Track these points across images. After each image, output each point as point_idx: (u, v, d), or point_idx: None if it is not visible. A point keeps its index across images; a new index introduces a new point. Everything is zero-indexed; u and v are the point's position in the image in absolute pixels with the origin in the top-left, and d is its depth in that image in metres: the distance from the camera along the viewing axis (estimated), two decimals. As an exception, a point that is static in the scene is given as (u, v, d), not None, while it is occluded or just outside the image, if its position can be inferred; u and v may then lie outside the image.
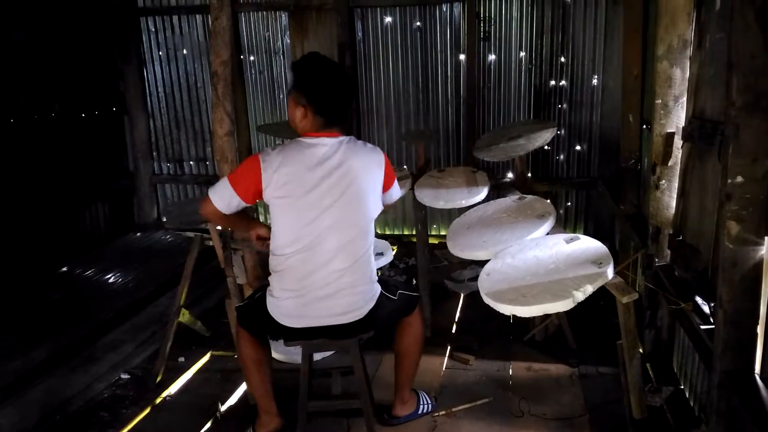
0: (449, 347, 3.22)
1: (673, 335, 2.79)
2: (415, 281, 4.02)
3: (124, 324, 3.61)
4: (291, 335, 2.28)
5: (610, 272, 2.00)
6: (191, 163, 5.49)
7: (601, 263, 2.04)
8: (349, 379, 2.59)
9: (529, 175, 3.88)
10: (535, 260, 2.19)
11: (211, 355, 3.31)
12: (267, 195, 2.15)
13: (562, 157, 4.70)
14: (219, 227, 2.72)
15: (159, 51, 5.31)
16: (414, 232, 4.88)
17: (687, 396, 2.60)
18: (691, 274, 2.54)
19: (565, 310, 1.95)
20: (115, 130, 5.36)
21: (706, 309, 2.33)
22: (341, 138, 2.20)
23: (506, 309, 2.00)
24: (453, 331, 3.44)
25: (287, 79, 5.09)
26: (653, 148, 2.75)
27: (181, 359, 3.24)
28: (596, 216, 4.72)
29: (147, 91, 5.41)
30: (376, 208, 2.27)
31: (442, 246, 4.64)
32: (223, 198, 2.18)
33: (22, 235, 4.31)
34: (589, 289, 1.95)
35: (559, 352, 3.12)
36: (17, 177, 4.30)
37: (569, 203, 4.80)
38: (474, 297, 3.84)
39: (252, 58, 5.12)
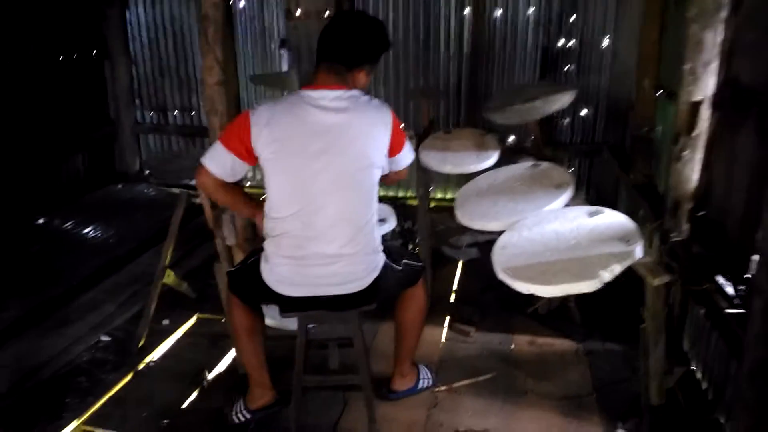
0: (448, 318, 3.08)
1: (685, 313, 2.66)
2: (412, 247, 3.86)
3: (104, 282, 3.42)
4: (287, 304, 2.12)
5: (639, 251, 1.85)
6: (176, 112, 5.21)
7: (629, 240, 1.88)
8: (347, 350, 2.43)
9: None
10: (555, 234, 2.02)
11: (198, 318, 3.14)
12: (257, 152, 1.97)
13: (566, 121, 4.50)
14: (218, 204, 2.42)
15: (143, -8, 4.96)
16: (410, 194, 4.72)
17: (700, 378, 2.49)
18: (713, 252, 2.41)
19: (590, 291, 1.80)
20: (95, 75, 5.03)
21: (729, 290, 2.20)
22: (344, 91, 1.99)
23: (524, 287, 1.84)
24: (452, 301, 3.29)
25: (280, 27, 4.80)
26: (678, 117, 2.56)
27: (166, 322, 3.07)
28: (599, 183, 4.56)
29: (130, 35, 5.07)
30: (380, 173, 2.07)
31: (439, 209, 4.49)
32: (219, 162, 2.00)
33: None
34: (617, 268, 1.79)
35: (563, 325, 2.99)
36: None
37: (572, 169, 4.62)
38: (473, 264, 3.70)
39: (242, 3, 4.80)
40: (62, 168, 4.70)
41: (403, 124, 2.18)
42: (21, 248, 3.77)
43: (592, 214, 2.08)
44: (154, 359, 2.79)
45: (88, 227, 4.17)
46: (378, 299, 2.14)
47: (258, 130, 1.95)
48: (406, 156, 2.19)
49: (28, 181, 4.33)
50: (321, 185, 1.96)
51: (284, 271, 2.05)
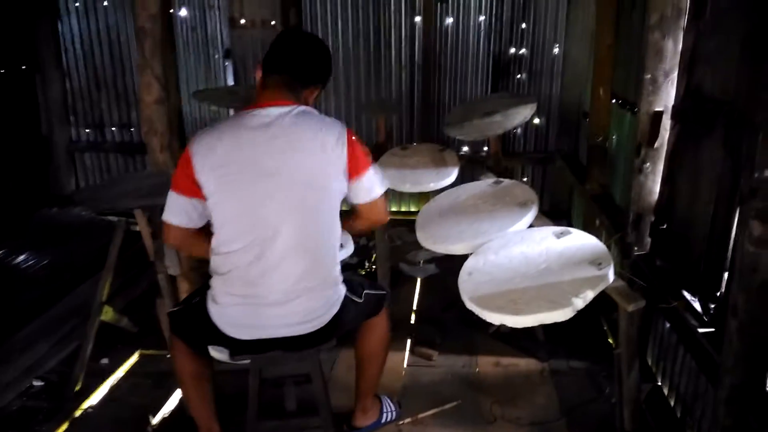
0: (410, 341, 2.95)
1: (648, 328, 2.61)
2: (369, 265, 3.72)
3: (37, 318, 3.13)
4: (238, 347, 1.91)
5: (611, 275, 1.75)
6: (113, 129, 4.93)
7: (600, 264, 1.78)
8: (305, 386, 2.27)
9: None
10: (523, 258, 1.92)
11: (140, 355, 2.91)
12: (201, 184, 1.76)
13: (519, 130, 4.46)
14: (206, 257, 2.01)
15: (75, 2, 4.67)
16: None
17: (666, 393, 2.43)
18: (677, 266, 2.35)
19: (563, 320, 1.69)
20: (25, 90, 4.70)
21: (696, 306, 2.14)
22: (290, 108, 1.80)
23: (495, 318, 1.72)
24: (412, 322, 3.16)
25: (223, 37, 4.60)
26: (639, 128, 2.51)
27: (105, 361, 2.83)
28: (553, 192, 4.53)
29: (62, 46, 4.77)
30: (340, 197, 1.86)
31: (395, 223, 4.37)
32: (176, 211, 1.81)
33: None
34: (590, 295, 1.69)
35: (527, 343, 2.90)
36: None
37: (525, 179, 4.58)
38: (432, 281, 3.59)
39: (183, 12, 4.57)
40: (-10, 191, 4.37)
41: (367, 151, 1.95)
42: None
43: (559, 236, 1.98)
44: (93, 405, 2.55)
45: (19, 256, 3.86)
46: (338, 334, 1.98)
47: (200, 160, 1.76)
48: (372, 184, 1.88)
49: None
50: (271, 213, 1.77)
51: (235, 312, 1.85)
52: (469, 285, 1.86)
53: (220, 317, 1.86)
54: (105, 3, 4.62)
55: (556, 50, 4.30)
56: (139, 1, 2.45)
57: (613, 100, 3.33)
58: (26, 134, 4.75)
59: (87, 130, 4.97)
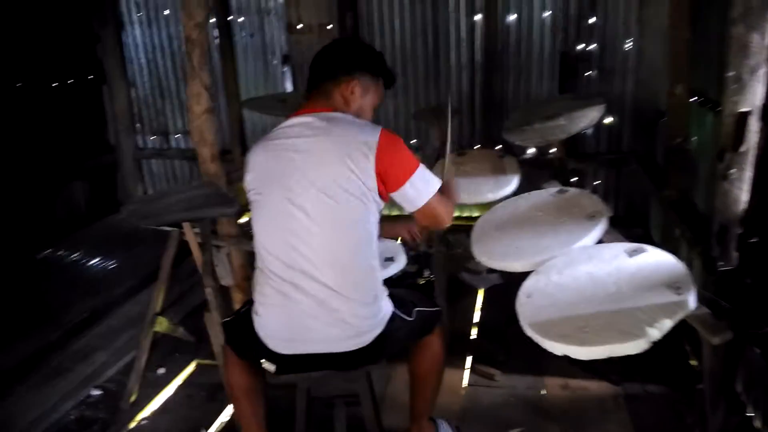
0: (470, 358, 2.79)
1: (737, 354, 2.35)
2: (429, 274, 3.58)
3: (99, 325, 3.19)
4: (283, 363, 1.85)
5: (692, 301, 1.55)
6: (177, 136, 5.00)
7: (679, 288, 1.58)
8: (357, 407, 2.16)
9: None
10: (590, 279, 1.73)
11: (197, 365, 2.89)
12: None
13: (590, 130, 4.19)
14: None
15: (138, 12, 4.76)
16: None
17: (758, 427, 2.18)
18: (770, 286, 2.10)
19: (636, 352, 1.51)
20: (92, 101, 4.84)
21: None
22: (322, 114, 1.73)
23: (558, 348, 1.55)
24: (473, 338, 3.00)
25: (281, 43, 4.57)
26: (722, 130, 2.26)
27: (161, 371, 2.83)
28: (628, 197, 4.25)
29: (127, 57, 4.87)
30: (373, 207, 1.73)
31: (457, 230, 4.20)
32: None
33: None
34: (668, 324, 1.50)
35: (598, 364, 2.66)
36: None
37: (597, 182, 4.31)
38: (495, 292, 3.40)
39: (241, 18, 4.57)
40: (62, 199, 4.50)
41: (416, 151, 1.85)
42: (17, 286, 3.56)
43: (632, 254, 1.78)
44: (147, 416, 2.54)
45: (87, 262, 3.98)
46: (387, 355, 1.87)
47: (246, 174, 1.81)
48: (418, 191, 1.74)
49: (27, 214, 4.13)
50: (299, 225, 1.70)
51: (274, 326, 1.80)
52: (528, 309, 1.70)
53: (262, 329, 1.81)
54: (166, 12, 4.68)
55: (628, 45, 4.02)
56: (186, 10, 2.41)
57: (693, 99, 3.06)
58: (95, 143, 4.88)
59: (152, 138, 5.06)
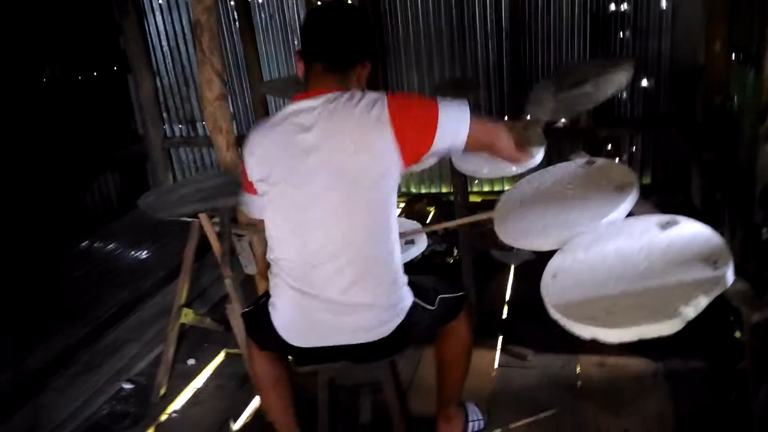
0: (501, 338, 2.70)
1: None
2: (457, 253, 3.49)
3: (129, 317, 3.21)
4: (302, 356, 1.82)
5: (730, 275, 1.43)
6: (203, 123, 4.98)
7: (716, 261, 1.45)
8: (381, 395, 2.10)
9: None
10: (619, 256, 1.62)
11: (226, 354, 2.88)
12: (254, 182, 1.72)
13: (625, 94, 4.00)
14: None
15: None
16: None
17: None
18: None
19: (670, 333, 1.40)
20: (118, 91, 4.86)
21: None
22: (328, 95, 1.61)
23: (585, 330, 1.45)
24: (504, 317, 2.91)
25: (302, 22, 4.47)
26: (764, 90, 2.09)
27: (191, 362, 2.83)
28: (667, 162, 4.05)
29: (150, 45, 4.86)
30: (388, 188, 1.63)
31: (486, 205, 4.09)
32: (253, 207, 1.81)
33: (19, 215, 3.90)
34: (704, 301, 1.38)
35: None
36: (9, 153, 3.86)
37: (634, 148, 4.13)
38: (526, 268, 3.30)
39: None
40: (92, 191, 4.55)
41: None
42: (49, 278, 3.64)
43: (665, 227, 1.65)
44: (177, 409, 2.54)
45: (118, 253, 4.02)
46: (410, 343, 1.81)
47: (248, 159, 1.71)
48: (454, 127, 1.59)
49: (58, 207, 4.19)
50: (316, 215, 1.63)
51: (291, 319, 1.75)
52: (553, 290, 1.59)
53: (280, 322, 1.76)
54: (188, -2, 4.63)
55: (663, 3, 3.79)
56: (193, -8, 2.34)
57: (733, 55, 2.86)
58: (123, 134, 4.90)
59: (180, 126, 5.07)
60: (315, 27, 1.70)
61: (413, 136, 1.58)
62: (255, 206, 1.79)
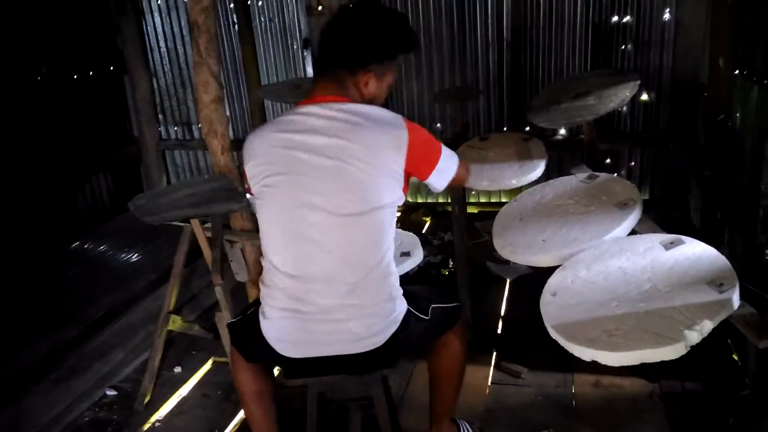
0: (495, 354, 2.65)
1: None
2: (451, 264, 3.44)
3: (117, 321, 3.14)
4: (292, 367, 1.76)
5: (735, 299, 1.38)
6: (200, 125, 4.92)
7: (722, 284, 1.41)
8: (373, 410, 2.04)
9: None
10: (622, 275, 1.57)
11: (213, 363, 2.82)
12: (251, 185, 1.70)
13: (625, 108, 3.97)
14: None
15: (158, 0, 4.68)
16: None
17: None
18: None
19: (672, 358, 1.35)
20: (114, 91, 4.79)
21: None
22: (340, 104, 1.60)
23: (584, 353, 1.40)
24: (498, 332, 2.86)
25: (301, 27, 4.44)
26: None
27: (178, 369, 2.76)
28: (666, 179, 4.01)
29: (148, 46, 4.81)
30: (390, 203, 1.63)
31: (483, 216, 4.04)
32: (254, 205, 1.77)
33: (10, 214, 3.83)
34: (708, 326, 1.34)
35: (633, 360, 2.51)
36: (2, 151, 3.79)
37: (632, 163, 4.09)
38: (523, 283, 3.25)
39: (260, 2, 4.45)
40: (85, 191, 4.48)
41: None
42: (39, 278, 3.56)
43: (668, 246, 1.61)
44: (161, 418, 2.48)
45: (109, 255, 3.95)
46: (403, 356, 1.76)
47: (247, 162, 1.68)
48: (443, 172, 1.74)
49: (50, 207, 4.12)
50: (316, 222, 1.60)
51: (283, 327, 1.69)
52: (553, 309, 1.55)
53: (270, 332, 1.70)
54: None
55: (666, 16, 3.77)
56: (190, -8, 2.29)
57: (737, 71, 2.82)
58: (117, 134, 4.84)
59: (175, 128, 5.01)
60: (330, 30, 1.70)
61: (417, 166, 1.65)
62: None
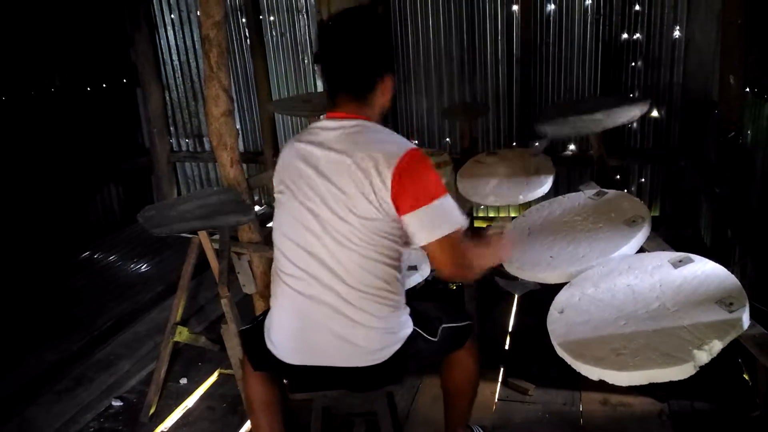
0: (502, 371, 2.63)
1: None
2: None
3: (124, 332, 3.14)
4: (296, 377, 1.76)
5: (746, 319, 1.37)
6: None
7: (731, 303, 1.39)
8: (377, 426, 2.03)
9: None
10: (630, 293, 1.56)
11: (219, 375, 2.81)
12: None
13: (635, 124, 3.95)
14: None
15: (171, 14, 4.74)
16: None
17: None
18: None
19: (681, 378, 1.34)
20: (126, 104, 4.84)
21: None
22: (351, 122, 1.61)
23: (592, 372, 1.39)
24: (506, 348, 2.83)
25: (312, 42, 4.47)
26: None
27: (183, 381, 2.76)
28: (677, 196, 3.99)
29: (161, 59, 4.86)
30: (378, 232, 1.58)
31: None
32: None
33: (22, 224, 3.86)
34: (718, 346, 1.32)
35: (642, 378, 2.48)
36: (15, 161, 3.83)
37: (642, 179, 4.07)
38: (531, 299, 3.22)
39: (272, 18, 4.50)
40: (96, 202, 4.52)
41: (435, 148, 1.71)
42: (49, 288, 3.59)
43: (677, 264, 1.60)
44: (166, 430, 2.48)
45: (118, 265, 3.97)
46: (409, 372, 1.75)
47: (277, 168, 1.75)
48: (432, 221, 1.53)
49: (62, 218, 4.15)
50: (315, 238, 1.62)
51: (287, 334, 1.70)
52: (560, 326, 1.54)
53: (276, 339, 1.71)
54: (199, 13, 4.63)
55: (676, 33, 3.76)
56: (203, 8, 2.32)
57: (747, 89, 2.81)
58: (129, 146, 4.88)
59: (187, 140, 5.04)
60: (327, 53, 1.65)
61: (403, 189, 1.53)
62: None
